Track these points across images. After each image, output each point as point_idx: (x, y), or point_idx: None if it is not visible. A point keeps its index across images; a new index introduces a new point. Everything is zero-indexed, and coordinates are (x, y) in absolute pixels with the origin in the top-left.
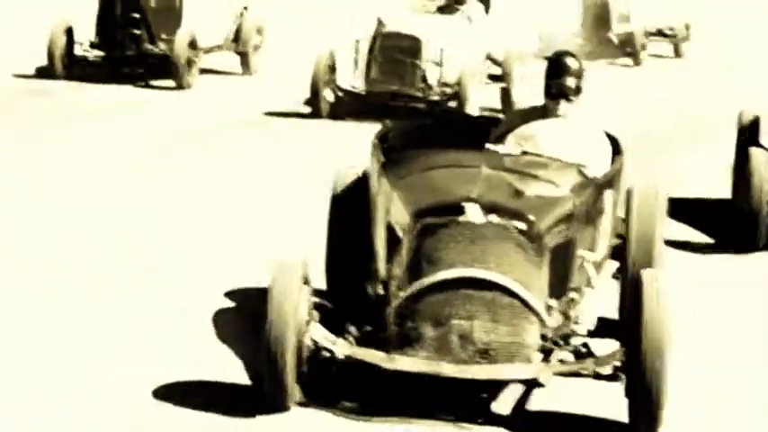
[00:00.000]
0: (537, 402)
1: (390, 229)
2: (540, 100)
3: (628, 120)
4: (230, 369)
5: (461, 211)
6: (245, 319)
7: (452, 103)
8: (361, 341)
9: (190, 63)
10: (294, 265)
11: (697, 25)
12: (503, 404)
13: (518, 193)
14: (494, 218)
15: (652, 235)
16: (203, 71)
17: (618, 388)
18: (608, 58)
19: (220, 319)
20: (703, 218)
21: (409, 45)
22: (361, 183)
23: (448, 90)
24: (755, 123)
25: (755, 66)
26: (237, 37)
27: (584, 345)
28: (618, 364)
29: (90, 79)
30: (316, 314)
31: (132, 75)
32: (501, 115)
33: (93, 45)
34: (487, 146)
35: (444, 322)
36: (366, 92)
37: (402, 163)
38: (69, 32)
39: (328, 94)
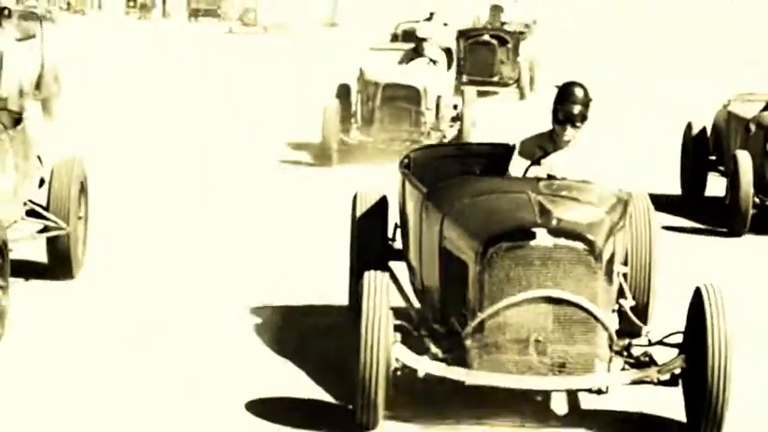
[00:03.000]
0: (590, 401)
1: (448, 256)
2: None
3: None
4: (294, 384)
5: (532, 235)
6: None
7: None
8: (441, 359)
9: (23, 109)
10: (382, 291)
11: None
12: (560, 404)
13: (572, 216)
14: (561, 240)
15: (649, 239)
16: None
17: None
18: None
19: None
20: None
21: (410, 94)
22: (383, 206)
23: (441, 133)
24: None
25: None
26: (39, 84)
27: (646, 354)
28: (678, 370)
29: None
30: (398, 335)
31: None
32: (510, 142)
33: None
34: (511, 172)
35: (523, 339)
36: (374, 139)
37: (446, 192)
38: None
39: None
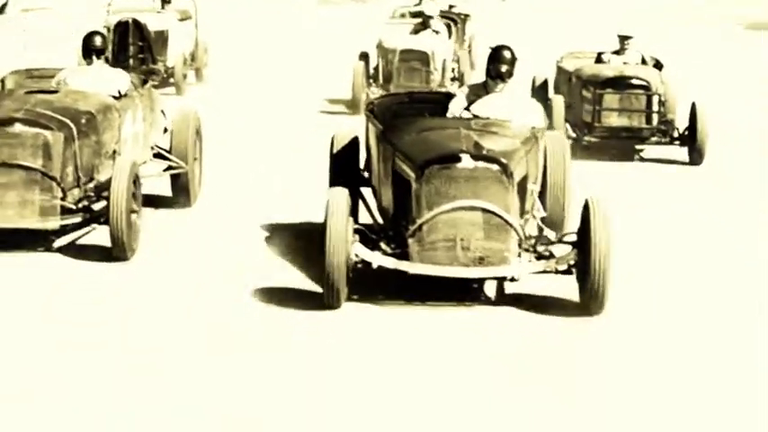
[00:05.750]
0: (511, 287)
1: (397, 177)
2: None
3: None
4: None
5: (458, 159)
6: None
7: None
8: (390, 255)
9: (185, 76)
10: (342, 202)
11: None
12: (491, 289)
13: (491, 145)
14: (480, 163)
15: (563, 168)
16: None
17: (570, 279)
18: None
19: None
20: None
21: (422, 57)
22: (355, 143)
23: (445, 89)
24: None
25: None
26: (193, 57)
27: (547, 250)
28: (572, 262)
29: None
30: (356, 236)
31: None
32: (452, 91)
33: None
34: (452, 113)
35: (452, 238)
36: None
37: (397, 129)
38: None
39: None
